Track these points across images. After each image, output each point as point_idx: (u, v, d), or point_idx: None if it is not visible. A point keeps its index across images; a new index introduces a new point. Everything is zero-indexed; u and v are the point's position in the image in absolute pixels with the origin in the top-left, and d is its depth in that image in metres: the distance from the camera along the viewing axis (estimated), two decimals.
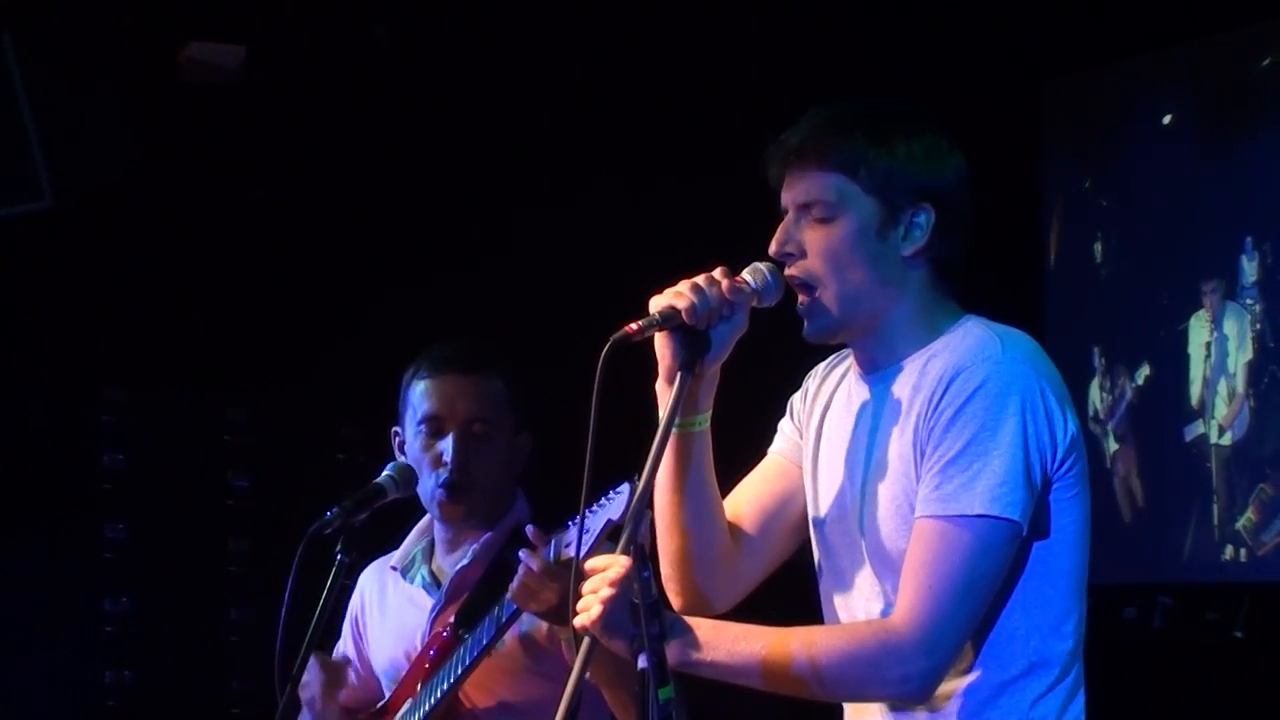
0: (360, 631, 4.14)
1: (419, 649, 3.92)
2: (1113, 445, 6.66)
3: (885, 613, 2.90)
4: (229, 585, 6.40)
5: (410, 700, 3.86)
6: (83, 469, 6.33)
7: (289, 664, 3.39)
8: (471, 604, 3.83)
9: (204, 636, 6.37)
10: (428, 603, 3.97)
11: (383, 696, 4.00)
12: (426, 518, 4.06)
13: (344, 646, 4.17)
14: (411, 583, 4.02)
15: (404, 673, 3.94)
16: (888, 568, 2.90)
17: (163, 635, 6.31)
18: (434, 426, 3.95)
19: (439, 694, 3.77)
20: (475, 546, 3.93)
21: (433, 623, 3.93)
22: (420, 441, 3.95)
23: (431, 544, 4.05)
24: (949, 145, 2.96)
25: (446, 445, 3.91)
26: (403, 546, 4.08)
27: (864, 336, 2.97)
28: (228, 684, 6.35)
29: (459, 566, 3.94)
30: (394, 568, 4.06)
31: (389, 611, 4.08)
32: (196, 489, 6.41)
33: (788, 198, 2.96)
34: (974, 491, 2.79)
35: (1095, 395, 6.71)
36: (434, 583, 3.99)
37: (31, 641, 6.17)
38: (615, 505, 3.33)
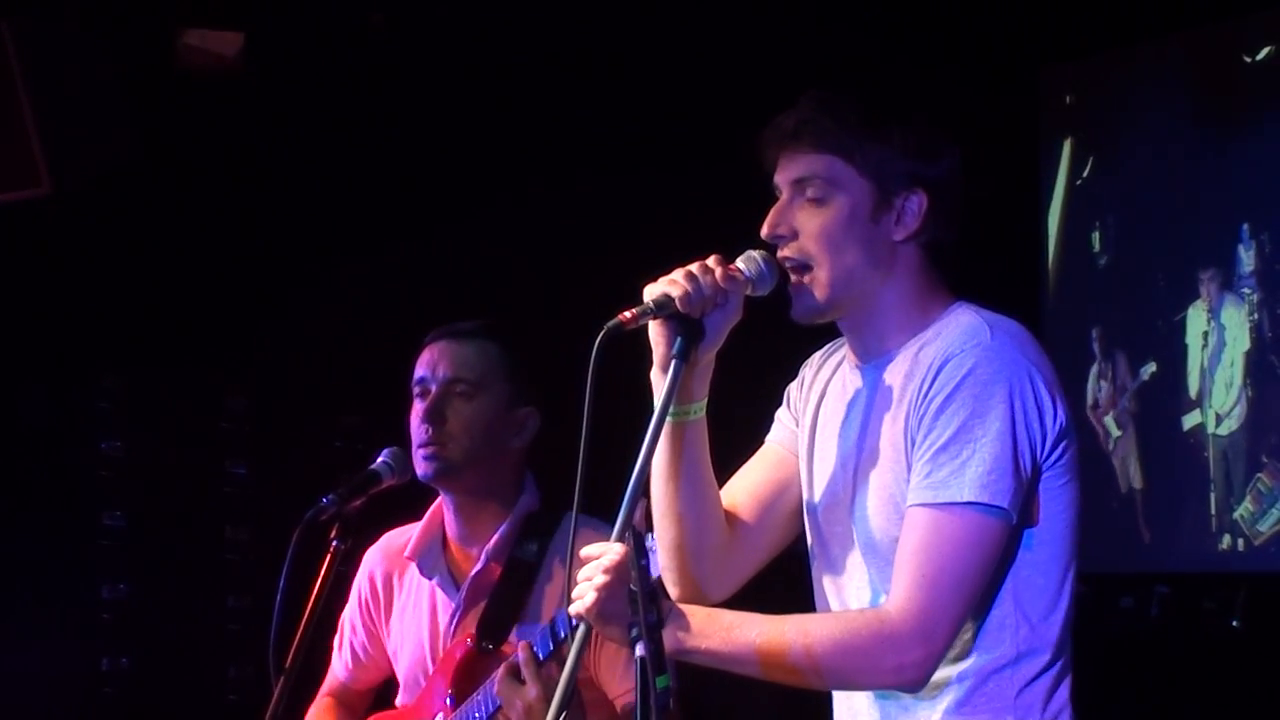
0: (373, 615, 4.07)
1: (441, 656, 3.87)
2: (1111, 434, 6.66)
3: (875, 599, 2.91)
4: (226, 573, 6.39)
5: (441, 716, 3.79)
6: (80, 456, 6.31)
7: (284, 651, 3.38)
8: (491, 610, 3.79)
9: (201, 624, 6.35)
10: (447, 605, 3.91)
11: (390, 675, 3.97)
12: (437, 503, 3.98)
13: (351, 624, 4.10)
14: (430, 578, 3.94)
15: (426, 679, 3.88)
16: (878, 555, 2.90)
17: (160, 622, 6.30)
18: (421, 389, 3.89)
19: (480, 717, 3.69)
20: (488, 548, 3.86)
21: (454, 629, 3.88)
22: (412, 409, 3.89)
23: (445, 537, 3.96)
24: (943, 131, 2.97)
25: (425, 406, 3.86)
26: (416, 537, 3.97)
27: (854, 321, 2.98)
28: (225, 671, 6.34)
29: (474, 571, 3.87)
30: (408, 558, 3.97)
31: (409, 607, 4.00)
32: (194, 476, 6.39)
33: (781, 178, 2.96)
34: (964, 479, 2.79)
35: (1093, 384, 6.70)
36: (452, 582, 3.91)
37: (29, 628, 6.16)
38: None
